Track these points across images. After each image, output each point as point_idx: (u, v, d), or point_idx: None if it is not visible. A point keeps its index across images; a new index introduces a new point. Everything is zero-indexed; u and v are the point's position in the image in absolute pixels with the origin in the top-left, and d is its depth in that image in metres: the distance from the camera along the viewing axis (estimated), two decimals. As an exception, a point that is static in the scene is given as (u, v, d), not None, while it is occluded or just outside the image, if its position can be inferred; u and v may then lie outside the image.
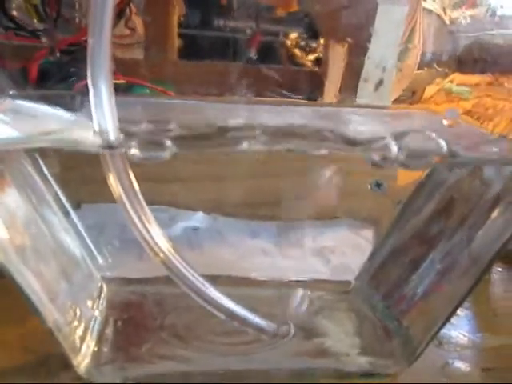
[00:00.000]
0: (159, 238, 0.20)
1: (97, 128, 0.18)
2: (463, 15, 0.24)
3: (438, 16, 0.25)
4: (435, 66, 0.25)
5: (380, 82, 0.23)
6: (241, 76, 0.23)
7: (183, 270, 0.21)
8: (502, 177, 0.23)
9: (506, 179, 0.23)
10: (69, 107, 0.20)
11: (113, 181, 0.19)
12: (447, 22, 0.24)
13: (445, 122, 0.23)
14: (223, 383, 0.24)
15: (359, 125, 0.24)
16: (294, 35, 0.25)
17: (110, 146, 0.18)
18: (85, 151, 0.19)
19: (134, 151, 0.19)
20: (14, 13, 0.22)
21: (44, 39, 0.23)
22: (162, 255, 0.20)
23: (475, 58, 0.24)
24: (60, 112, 0.20)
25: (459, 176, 0.26)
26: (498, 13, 0.23)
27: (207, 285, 0.21)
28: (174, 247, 0.21)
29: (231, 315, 0.21)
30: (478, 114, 0.24)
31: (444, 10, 0.24)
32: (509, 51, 0.23)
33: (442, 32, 0.25)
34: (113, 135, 0.18)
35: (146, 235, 0.20)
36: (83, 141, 0.18)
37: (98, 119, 0.18)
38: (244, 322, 0.22)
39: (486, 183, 0.24)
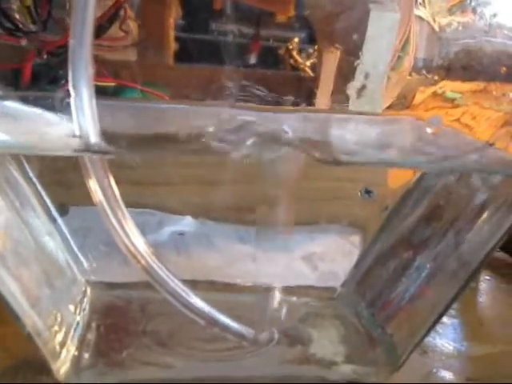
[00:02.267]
0: (139, 243, 0.20)
1: (77, 131, 0.18)
2: (452, 22, 0.24)
3: (428, 23, 0.25)
4: (424, 72, 0.25)
5: (362, 88, 0.23)
6: (234, 81, 0.23)
7: (163, 276, 0.20)
8: (488, 183, 0.23)
9: (493, 186, 0.23)
10: (56, 110, 0.20)
11: (93, 186, 0.19)
12: (436, 28, 0.24)
13: (429, 130, 0.23)
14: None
15: (340, 133, 0.24)
16: (290, 41, 0.25)
17: (90, 150, 0.18)
18: (65, 155, 0.19)
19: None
20: (15, 14, 0.22)
21: (32, 41, 0.23)
22: (142, 262, 0.20)
23: (464, 66, 0.24)
24: (47, 114, 0.20)
25: (447, 182, 0.26)
26: (487, 21, 0.23)
27: (187, 290, 0.21)
28: (153, 252, 0.20)
29: (211, 321, 0.21)
30: (467, 121, 0.24)
31: (433, 16, 0.24)
32: (497, 59, 0.23)
33: (432, 39, 0.25)
34: (93, 138, 0.18)
35: (126, 240, 0.20)
36: (65, 144, 0.18)
37: (79, 122, 0.17)
38: (224, 328, 0.22)
39: (473, 189, 0.24)
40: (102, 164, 0.19)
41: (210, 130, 0.21)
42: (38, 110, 0.20)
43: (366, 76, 0.23)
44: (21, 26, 0.22)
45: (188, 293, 0.21)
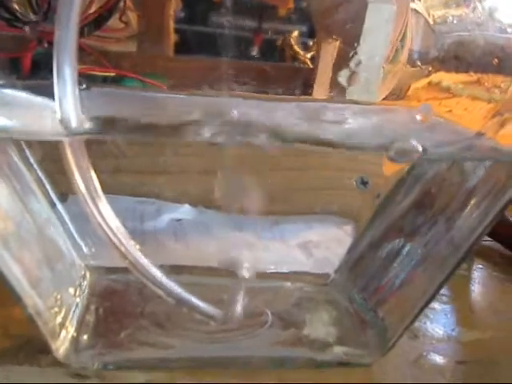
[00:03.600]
0: (117, 227, 0.21)
1: (59, 116, 0.18)
2: (446, 15, 0.24)
3: (423, 16, 0.25)
4: (419, 64, 0.25)
5: (352, 75, 0.24)
6: (233, 72, 0.23)
7: (139, 259, 0.21)
8: (478, 171, 0.24)
9: (482, 173, 0.24)
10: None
11: (73, 173, 0.20)
12: (431, 21, 0.25)
13: (418, 118, 0.24)
14: (202, 369, 0.24)
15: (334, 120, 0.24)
16: (290, 33, 0.25)
17: (71, 134, 0.19)
18: (49, 139, 0.19)
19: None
20: (14, 4, 0.23)
21: (33, 30, 0.23)
22: (123, 249, 0.21)
23: (457, 58, 0.25)
24: (46, 102, 0.20)
25: (439, 170, 0.26)
26: (480, 14, 0.23)
27: (160, 273, 0.22)
28: (131, 237, 0.21)
29: (182, 301, 0.22)
30: (459, 112, 0.25)
31: (428, 10, 0.25)
32: (489, 51, 0.23)
33: (426, 31, 0.25)
34: (74, 123, 0.18)
35: (105, 226, 0.21)
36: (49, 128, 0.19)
37: (61, 107, 0.18)
38: (192, 307, 0.23)
39: (463, 177, 0.24)
40: (81, 150, 0.19)
41: (202, 119, 0.21)
42: (37, 98, 0.20)
43: (358, 64, 0.24)
44: (20, 16, 0.23)
45: (161, 275, 0.22)
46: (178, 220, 0.29)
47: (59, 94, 0.18)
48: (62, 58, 0.18)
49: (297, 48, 0.25)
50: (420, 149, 0.21)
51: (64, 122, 0.18)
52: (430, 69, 0.25)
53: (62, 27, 0.17)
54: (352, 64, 0.23)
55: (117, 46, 0.24)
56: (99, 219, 0.21)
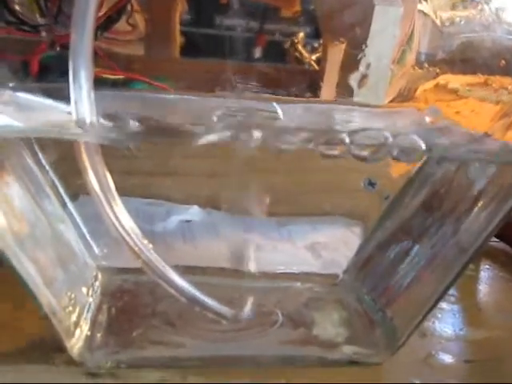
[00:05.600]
0: (130, 228, 0.21)
1: (75, 117, 0.19)
2: (453, 17, 0.25)
3: (430, 17, 0.25)
4: (426, 66, 0.25)
5: (363, 78, 0.24)
6: (240, 74, 0.23)
7: (153, 259, 0.22)
8: (485, 173, 0.24)
9: (489, 175, 0.24)
10: (66, 99, 0.21)
11: (88, 174, 0.20)
12: (438, 23, 0.25)
13: (427, 119, 0.24)
14: (213, 367, 0.25)
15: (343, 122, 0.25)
16: (295, 35, 0.25)
17: (86, 135, 0.19)
18: (66, 139, 0.20)
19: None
20: (17, 7, 0.23)
21: (44, 34, 0.23)
22: (136, 249, 0.21)
23: (465, 59, 0.25)
24: (58, 104, 0.21)
25: (447, 171, 0.27)
26: (487, 16, 0.24)
27: (173, 272, 0.22)
28: (143, 237, 0.22)
29: (193, 300, 0.23)
30: (466, 113, 0.25)
31: (435, 11, 0.25)
32: (497, 53, 0.24)
33: (434, 33, 0.25)
34: (90, 125, 0.19)
35: (119, 226, 0.21)
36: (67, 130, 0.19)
37: (77, 111, 0.19)
38: (204, 306, 0.23)
39: (471, 179, 0.25)
40: (96, 151, 0.20)
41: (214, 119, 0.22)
42: (48, 101, 0.21)
43: (368, 66, 0.24)
44: (25, 19, 0.23)
45: (174, 274, 0.22)
46: (187, 221, 0.29)
47: (75, 98, 0.18)
48: (78, 62, 0.18)
49: (303, 50, 0.25)
50: (423, 147, 0.21)
51: (79, 124, 0.19)
52: (438, 71, 0.25)
53: (78, 31, 0.18)
54: (362, 67, 0.24)
55: (124, 49, 0.24)
56: (113, 219, 0.21)
